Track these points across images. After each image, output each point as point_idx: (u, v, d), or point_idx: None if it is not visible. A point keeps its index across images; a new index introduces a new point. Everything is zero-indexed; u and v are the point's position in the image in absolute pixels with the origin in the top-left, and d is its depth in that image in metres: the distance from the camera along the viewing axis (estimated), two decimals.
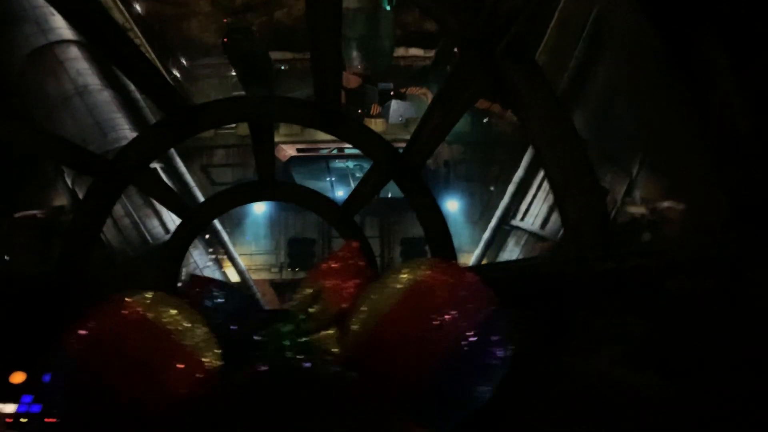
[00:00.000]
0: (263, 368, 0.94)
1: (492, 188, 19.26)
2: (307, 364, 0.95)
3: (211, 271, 15.80)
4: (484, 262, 16.97)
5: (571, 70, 15.10)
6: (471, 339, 0.91)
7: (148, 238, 14.41)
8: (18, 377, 2.78)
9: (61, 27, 14.48)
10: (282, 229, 20.27)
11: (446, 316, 0.90)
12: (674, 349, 1.97)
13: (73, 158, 4.25)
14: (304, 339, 1.06)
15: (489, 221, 17.36)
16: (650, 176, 15.48)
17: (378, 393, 0.83)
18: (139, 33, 17.74)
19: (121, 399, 0.83)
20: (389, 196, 18.15)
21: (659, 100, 13.32)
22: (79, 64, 14.59)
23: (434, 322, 0.90)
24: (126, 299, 0.92)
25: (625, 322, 2.19)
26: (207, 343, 0.94)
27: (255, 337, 1.06)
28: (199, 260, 15.33)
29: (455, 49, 22.97)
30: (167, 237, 14.37)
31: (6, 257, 15.29)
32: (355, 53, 22.04)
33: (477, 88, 3.37)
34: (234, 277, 17.05)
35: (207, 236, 16.01)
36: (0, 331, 3.21)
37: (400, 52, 25.16)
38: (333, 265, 1.12)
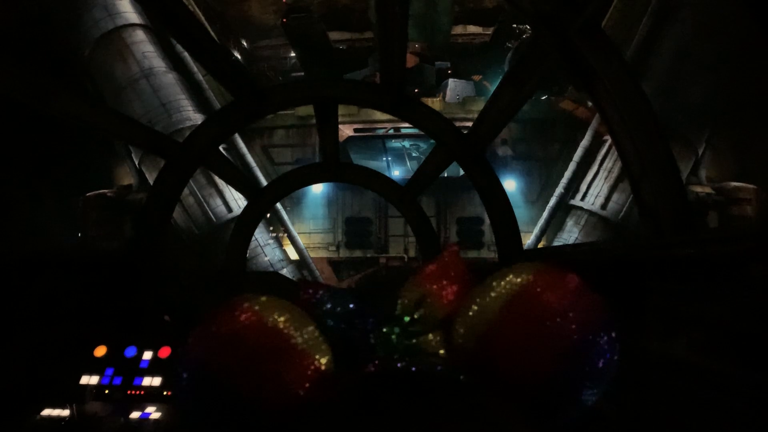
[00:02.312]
0: (378, 369, 0.99)
1: (551, 167, 18.85)
2: (420, 366, 0.99)
3: (271, 249, 16.17)
4: (542, 242, 16.74)
5: (636, 45, 14.59)
6: (581, 343, 0.92)
7: (212, 216, 14.86)
8: (100, 350, 2.94)
9: (128, 11, 14.98)
10: (339, 209, 20.47)
11: (555, 321, 0.92)
12: (753, 335, 1.93)
13: (147, 140, 4.40)
14: (411, 342, 1.10)
15: (547, 201, 17.07)
16: (717, 155, 14.92)
17: (493, 395, 0.86)
18: (201, 15, 18.13)
19: (241, 397, 0.89)
20: (445, 175, 18.05)
21: (732, 77, 12.74)
22: (145, 47, 15.07)
23: (543, 327, 0.92)
24: (242, 302, 0.98)
25: (703, 307, 2.15)
26: (319, 344, 0.99)
27: (365, 340, 1.11)
28: (261, 238, 15.71)
29: (514, 26, 22.51)
30: (230, 216, 14.82)
31: (79, 234, 16.11)
32: (412, 31, 21.88)
33: (549, 67, 3.31)
34: (293, 254, 17.41)
35: (268, 215, 16.36)
36: (81, 306, 3.39)
37: (457, 29, 24.82)
38: (436, 269, 1.15)
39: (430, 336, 1.05)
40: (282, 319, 0.96)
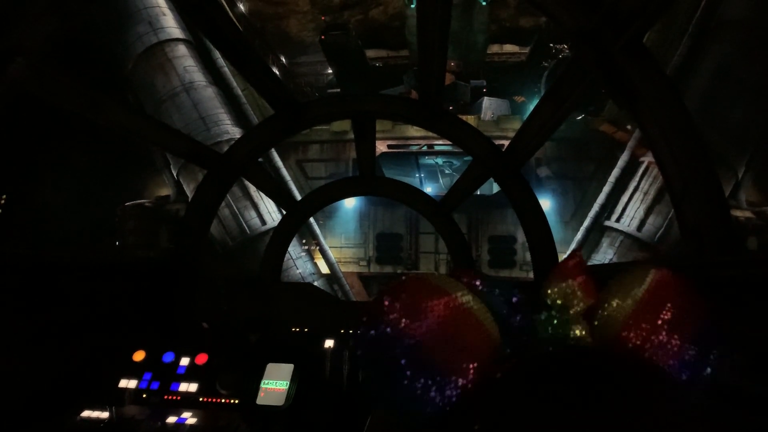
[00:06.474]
0: (548, 352, 1.06)
1: (585, 187, 18.64)
2: (584, 349, 1.07)
3: (303, 262, 16.28)
4: None
5: (674, 65, 14.43)
6: (699, 332, 0.98)
7: (246, 228, 15.05)
8: (139, 355, 3.00)
9: (171, 26, 15.40)
10: (371, 224, 20.50)
11: (682, 315, 0.99)
12: None
13: (190, 151, 4.49)
14: (564, 328, 1.18)
15: (581, 221, 16.89)
16: (758, 178, 14.58)
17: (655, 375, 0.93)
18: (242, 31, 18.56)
19: (433, 367, 0.94)
20: (477, 193, 18.02)
21: None
22: (187, 62, 15.43)
23: (669, 319, 0.99)
24: (423, 278, 1.05)
25: (747, 330, 2.11)
26: (491, 321, 1.05)
27: (527, 323, 1.17)
28: (293, 251, 15.83)
29: (550, 45, 22.45)
30: (264, 228, 15.00)
31: (117, 243, 16.52)
32: (448, 49, 22.06)
33: (589, 85, 3.30)
34: (324, 268, 17.49)
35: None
36: (121, 312, 3.46)
37: (493, 48, 24.85)
38: (572, 267, 1.24)
39: (577, 324, 1.13)
40: (464, 295, 1.03)
